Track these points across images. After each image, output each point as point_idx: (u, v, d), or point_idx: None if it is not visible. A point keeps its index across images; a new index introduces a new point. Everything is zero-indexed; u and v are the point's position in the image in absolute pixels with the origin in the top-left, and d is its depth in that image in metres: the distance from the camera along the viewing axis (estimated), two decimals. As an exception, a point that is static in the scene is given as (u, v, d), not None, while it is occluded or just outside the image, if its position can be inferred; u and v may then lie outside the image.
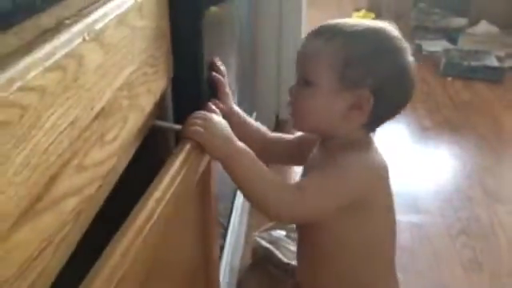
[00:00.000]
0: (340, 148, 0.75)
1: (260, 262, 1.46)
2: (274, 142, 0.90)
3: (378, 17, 3.58)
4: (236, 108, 0.85)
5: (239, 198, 1.48)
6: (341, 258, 0.79)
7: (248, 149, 0.70)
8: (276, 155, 0.90)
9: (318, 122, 0.76)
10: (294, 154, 0.87)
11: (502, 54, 2.83)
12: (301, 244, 0.87)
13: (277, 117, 2.22)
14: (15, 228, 0.32)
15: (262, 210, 0.71)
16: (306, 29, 2.17)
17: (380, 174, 0.77)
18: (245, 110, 0.92)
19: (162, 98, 0.68)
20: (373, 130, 0.78)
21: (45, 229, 0.36)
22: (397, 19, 3.44)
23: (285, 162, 0.96)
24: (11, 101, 0.31)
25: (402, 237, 1.51)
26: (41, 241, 0.36)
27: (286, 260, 1.42)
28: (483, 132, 2.21)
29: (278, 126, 2.15)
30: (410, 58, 0.76)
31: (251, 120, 0.89)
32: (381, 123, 0.77)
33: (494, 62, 2.72)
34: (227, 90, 0.83)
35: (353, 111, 0.73)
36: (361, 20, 0.81)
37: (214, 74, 0.81)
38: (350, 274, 0.80)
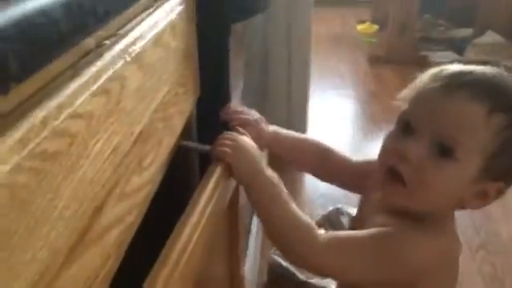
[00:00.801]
0: (410, 223, 0.62)
1: (277, 280, 1.43)
2: (334, 163, 0.78)
3: (382, 28, 3.58)
4: (274, 127, 0.77)
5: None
6: None
7: (277, 179, 0.63)
8: (332, 176, 0.80)
9: (434, 204, 0.62)
10: (354, 181, 0.77)
11: (509, 63, 2.82)
12: None
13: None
14: (65, 266, 0.30)
15: (278, 248, 0.65)
16: (313, 42, 2.16)
17: (445, 261, 0.65)
18: None
19: (189, 118, 0.66)
20: None
21: (91, 264, 0.34)
22: (402, 31, 3.45)
23: (339, 185, 0.82)
24: (62, 129, 0.29)
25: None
26: (87, 278, 0.33)
27: (304, 278, 1.39)
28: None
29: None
30: None
31: (300, 135, 0.80)
32: None
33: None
34: (253, 119, 0.74)
35: (476, 199, 0.62)
36: (504, 74, 0.62)
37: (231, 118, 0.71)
38: None
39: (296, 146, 0.78)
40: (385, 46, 3.23)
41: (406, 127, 0.61)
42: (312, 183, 1.90)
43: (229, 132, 0.66)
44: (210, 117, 0.71)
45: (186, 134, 0.68)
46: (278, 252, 1.47)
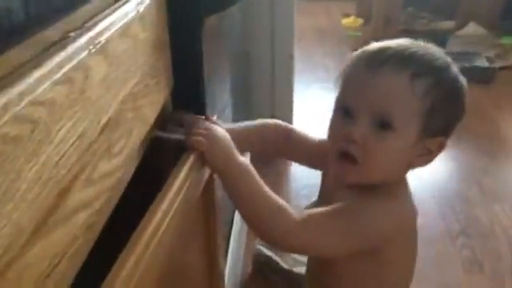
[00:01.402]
0: (371, 193, 0.67)
1: (261, 270, 1.45)
2: (295, 141, 0.81)
3: (367, 22, 3.61)
4: (226, 125, 0.78)
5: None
6: None
7: (250, 166, 0.65)
8: (295, 154, 0.83)
9: (385, 173, 0.67)
10: (315, 159, 0.81)
11: (491, 54, 2.87)
12: (310, 274, 0.84)
13: (272, 124, 2.22)
14: (29, 245, 0.32)
15: (256, 232, 0.67)
16: (297, 35, 2.18)
17: (404, 224, 0.71)
18: (240, 119, 0.90)
19: (163, 109, 0.68)
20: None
21: (57, 244, 0.36)
22: (386, 24, 3.48)
23: (303, 163, 0.87)
24: (22, 115, 0.31)
25: (402, 240, 1.52)
26: (53, 256, 0.35)
27: (287, 267, 1.42)
28: (478, 132, 2.23)
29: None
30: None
31: (256, 122, 0.82)
32: None
33: (485, 63, 2.75)
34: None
35: (421, 157, 0.68)
36: (424, 44, 0.68)
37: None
38: None
39: (255, 132, 0.80)
40: (369, 39, 3.26)
41: (345, 111, 0.67)
42: (297, 175, 1.93)
43: (202, 122, 0.68)
44: (185, 108, 0.73)
45: (161, 124, 0.70)
46: (262, 242, 1.49)
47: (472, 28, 3.19)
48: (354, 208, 0.66)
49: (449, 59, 0.69)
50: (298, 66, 2.36)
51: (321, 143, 0.81)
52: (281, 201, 0.66)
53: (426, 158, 0.68)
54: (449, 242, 1.59)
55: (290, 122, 2.27)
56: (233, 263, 1.32)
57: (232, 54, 1.53)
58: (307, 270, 0.84)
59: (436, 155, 0.68)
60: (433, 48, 0.69)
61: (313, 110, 2.47)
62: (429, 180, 1.91)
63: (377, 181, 0.68)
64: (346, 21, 3.77)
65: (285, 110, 2.24)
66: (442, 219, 1.70)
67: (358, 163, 0.65)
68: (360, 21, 3.71)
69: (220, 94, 1.21)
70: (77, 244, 0.39)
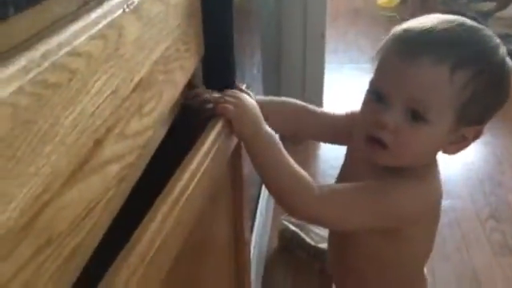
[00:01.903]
0: (399, 173, 0.67)
1: (287, 246, 1.48)
2: (317, 116, 0.81)
3: (403, 3, 3.53)
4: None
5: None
6: (369, 269, 0.77)
7: (276, 137, 0.66)
8: (318, 130, 0.83)
9: (416, 159, 0.67)
10: (340, 133, 0.80)
11: (532, 37, 2.76)
12: (331, 246, 0.86)
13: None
14: (66, 187, 0.34)
15: (278, 202, 0.69)
16: (330, 14, 2.15)
17: (429, 207, 0.71)
18: (270, 96, 0.89)
19: (193, 77, 0.69)
20: None
21: (92, 191, 0.38)
22: (423, 4, 3.39)
23: (327, 139, 0.87)
24: (61, 64, 0.32)
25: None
26: (88, 202, 0.37)
27: (313, 243, 1.43)
28: (514, 117, 2.16)
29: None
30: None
31: (278, 99, 0.83)
32: None
33: (525, 46, 2.65)
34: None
35: (455, 145, 0.67)
36: (467, 25, 0.64)
37: None
38: (377, 283, 0.78)
39: (275, 110, 0.79)
40: (406, 19, 3.19)
41: (378, 96, 0.65)
42: (325, 156, 1.93)
43: (231, 90, 0.70)
44: (214, 77, 0.74)
45: (191, 92, 0.72)
46: (288, 218, 1.51)
47: (513, 9, 3.07)
48: (377, 187, 0.66)
49: (496, 40, 0.65)
50: (330, 45, 2.34)
51: (346, 117, 0.81)
52: (304, 173, 0.67)
53: (460, 145, 0.67)
54: (478, 225, 1.57)
55: (321, 102, 2.26)
56: (259, 238, 1.34)
57: (263, 30, 1.53)
58: (329, 242, 0.85)
59: (471, 143, 0.67)
60: (478, 28, 0.65)
61: (344, 90, 2.45)
62: (460, 162, 1.88)
63: (407, 164, 0.68)
64: (381, 1, 3.69)
65: (315, 89, 2.23)
66: (471, 202, 1.67)
67: (388, 148, 0.65)
68: (396, 1, 3.62)
69: (249, 68, 1.22)
70: (110, 193, 0.41)
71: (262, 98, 0.80)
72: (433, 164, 0.71)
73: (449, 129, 0.64)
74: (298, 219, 0.93)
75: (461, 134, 0.66)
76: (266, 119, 0.67)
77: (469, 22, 0.65)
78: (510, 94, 0.66)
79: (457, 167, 1.85)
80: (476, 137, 0.67)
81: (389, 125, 0.63)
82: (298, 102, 0.82)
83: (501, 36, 2.70)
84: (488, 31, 0.66)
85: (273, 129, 0.67)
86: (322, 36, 2.12)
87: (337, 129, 0.81)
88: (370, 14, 3.56)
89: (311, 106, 0.83)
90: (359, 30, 3.22)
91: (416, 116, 0.62)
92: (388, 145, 0.64)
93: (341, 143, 0.83)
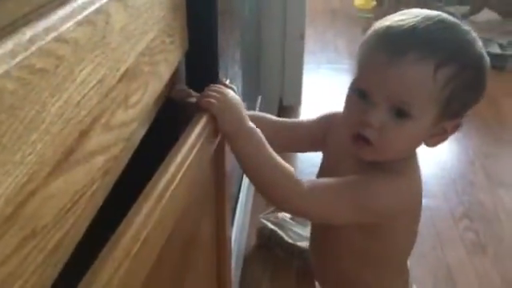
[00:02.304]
0: (380, 168, 0.67)
1: (265, 244, 1.47)
2: (292, 128, 0.82)
3: (380, 4, 3.57)
4: None
5: (246, 180, 1.49)
6: (353, 263, 0.77)
7: (259, 132, 0.66)
8: (295, 142, 0.83)
9: (399, 152, 0.68)
10: (317, 138, 0.80)
11: (504, 41, 2.84)
12: (313, 241, 0.86)
13: (280, 101, 2.23)
14: (52, 177, 0.33)
15: (263, 195, 0.68)
16: (308, 15, 2.17)
17: (409, 201, 0.71)
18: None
19: (177, 71, 0.68)
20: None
21: (77, 182, 0.36)
22: (398, 6, 3.44)
23: (305, 148, 0.87)
24: (48, 50, 0.31)
25: (406, 220, 1.53)
26: (73, 193, 0.36)
27: (291, 241, 1.43)
28: (486, 118, 2.22)
29: (282, 111, 2.15)
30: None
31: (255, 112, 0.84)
32: None
33: (497, 50, 2.72)
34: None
35: (435, 137, 0.68)
36: (447, 22, 0.65)
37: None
38: (359, 279, 0.78)
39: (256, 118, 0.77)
40: (381, 21, 3.23)
41: (362, 93, 0.65)
42: (303, 156, 1.94)
43: (216, 85, 0.69)
44: (198, 72, 0.73)
45: (174, 87, 0.71)
46: (266, 216, 1.51)
47: (486, 14, 3.15)
48: (358, 182, 0.67)
49: (473, 34, 0.66)
50: (308, 46, 2.36)
51: (318, 122, 0.81)
52: (288, 167, 0.67)
53: (440, 137, 0.68)
54: (452, 223, 1.60)
55: (299, 101, 2.27)
56: (237, 235, 1.33)
57: (243, 30, 1.53)
58: (311, 236, 0.85)
59: (450, 135, 0.68)
60: (457, 24, 0.66)
61: (322, 90, 2.47)
62: (433, 161, 1.92)
63: (390, 158, 0.69)
64: (358, 2, 3.73)
65: (294, 89, 2.24)
66: (445, 201, 1.71)
67: (374, 145, 0.65)
68: (372, 2, 3.67)
69: (231, 65, 1.21)
70: (95, 186, 0.40)
71: None
72: (413, 157, 0.72)
73: (432, 123, 0.65)
74: (283, 211, 0.94)
75: (441, 127, 0.67)
76: None
77: (449, 18, 0.66)
78: (486, 88, 0.67)
79: (430, 166, 1.89)
80: (455, 129, 0.68)
81: (374, 124, 0.64)
82: (269, 116, 0.82)
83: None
84: (465, 26, 0.67)
85: None
86: (301, 37, 2.13)
87: (312, 136, 0.81)
88: (347, 14, 3.60)
89: (283, 120, 0.83)
90: (337, 31, 3.25)
91: (400, 113, 0.63)
92: (373, 142, 0.65)
93: (317, 149, 0.83)
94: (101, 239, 0.42)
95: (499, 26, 3.04)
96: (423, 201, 1.70)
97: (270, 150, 0.66)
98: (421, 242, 1.54)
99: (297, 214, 0.73)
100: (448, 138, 0.69)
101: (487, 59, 0.67)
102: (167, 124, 0.70)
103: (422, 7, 0.68)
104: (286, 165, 0.66)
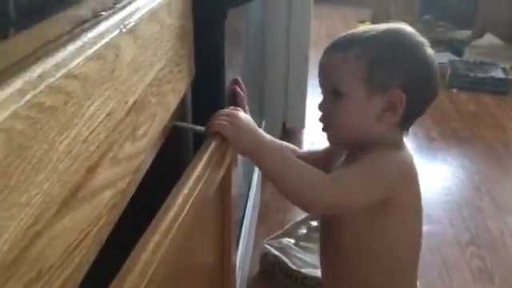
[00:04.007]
0: (372, 147, 0.74)
1: (269, 270, 1.45)
2: (304, 159, 0.86)
3: (383, 28, 3.60)
4: None
5: (250, 205, 1.48)
6: (362, 264, 0.78)
7: (275, 143, 0.72)
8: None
9: (354, 130, 0.75)
10: (324, 168, 0.83)
11: (507, 66, 2.85)
12: (323, 245, 0.86)
13: (284, 124, 2.22)
14: (58, 216, 0.32)
15: (296, 200, 0.72)
16: (312, 39, 2.18)
17: (410, 174, 0.76)
18: (253, 119, 0.89)
19: (183, 99, 0.68)
20: (406, 128, 0.78)
21: (83, 220, 0.35)
22: (402, 31, 3.47)
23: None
24: (57, 86, 0.31)
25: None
26: (79, 232, 0.35)
27: (295, 268, 1.41)
28: (490, 143, 2.21)
29: (285, 134, 2.15)
30: (430, 51, 0.77)
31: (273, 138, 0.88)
32: (413, 120, 0.78)
33: (500, 74, 2.73)
34: (246, 106, 0.83)
35: (387, 113, 0.73)
36: (373, 26, 0.81)
37: (236, 87, 0.83)
38: (371, 282, 0.79)
39: None
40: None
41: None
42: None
43: (224, 110, 0.69)
44: (204, 99, 0.73)
45: (180, 115, 0.70)
46: (270, 242, 1.49)
47: (489, 39, 3.17)
48: (365, 160, 0.73)
49: (414, 39, 0.76)
50: (312, 70, 2.36)
51: (323, 151, 0.89)
52: (312, 167, 0.71)
53: (391, 112, 0.73)
54: (458, 250, 1.58)
55: (302, 123, 2.26)
56: (241, 261, 1.31)
57: (248, 52, 1.53)
58: (321, 234, 0.86)
59: (400, 109, 0.73)
60: (400, 32, 0.76)
61: (325, 113, 2.46)
62: (438, 187, 1.90)
63: (353, 137, 0.76)
64: (361, 27, 3.76)
65: (298, 110, 2.23)
66: (450, 227, 1.68)
67: (329, 129, 0.77)
68: (375, 27, 3.69)
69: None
70: (101, 222, 0.39)
71: None
72: (401, 140, 0.78)
73: (366, 94, 0.73)
74: (318, 211, 0.98)
75: (385, 100, 0.73)
76: None
77: (404, 30, 0.77)
78: (417, 62, 0.75)
79: (435, 192, 1.87)
80: (398, 100, 0.73)
81: (322, 112, 0.77)
82: (289, 145, 0.90)
83: (475, 64, 2.80)
84: (411, 36, 0.76)
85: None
86: (306, 59, 2.14)
87: (316, 165, 0.84)
88: (350, 38, 3.62)
89: (292, 147, 0.90)
90: (340, 54, 3.26)
91: (336, 94, 0.74)
92: (327, 126, 0.77)
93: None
94: (104, 273, 0.41)
95: (502, 51, 3.05)
96: (428, 227, 1.68)
97: (291, 156, 0.74)
98: (427, 269, 1.52)
99: (332, 208, 0.74)
100: (400, 113, 0.73)
101: (405, 40, 0.76)
102: (172, 151, 0.69)
103: (425, 31, 0.80)
104: (310, 167, 0.71)
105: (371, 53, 0.73)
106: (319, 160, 0.86)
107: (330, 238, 0.83)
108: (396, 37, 0.76)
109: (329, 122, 0.77)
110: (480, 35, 3.19)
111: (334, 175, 0.73)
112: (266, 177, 0.73)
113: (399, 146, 0.77)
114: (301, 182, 0.69)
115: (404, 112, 0.73)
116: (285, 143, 0.90)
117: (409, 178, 0.77)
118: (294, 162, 0.71)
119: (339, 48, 0.75)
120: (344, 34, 0.78)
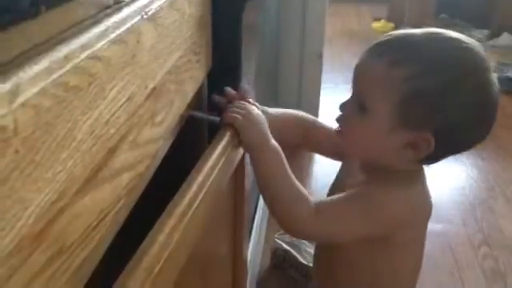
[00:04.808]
0: (382, 180, 0.68)
1: (280, 264, 1.45)
2: (321, 131, 0.83)
3: (398, 27, 3.58)
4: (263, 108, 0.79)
5: (262, 199, 1.48)
6: (362, 284, 0.76)
7: (281, 151, 0.66)
8: (322, 145, 0.84)
9: (367, 151, 0.70)
10: (337, 150, 0.81)
11: (524, 66, 2.81)
12: (317, 261, 0.85)
13: (297, 121, 2.22)
14: (80, 195, 0.32)
15: (273, 215, 0.69)
16: (327, 36, 2.17)
17: (415, 216, 0.71)
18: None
19: (199, 89, 0.69)
20: (430, 164, 0.69)
21: (103, 200, 0.36)
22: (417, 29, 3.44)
23: (328, 154, 0.87)
24: (82, 67, 0.31)
25: (424, 244, 1.50)
26: (99, 211, 0.36)
27: (305, 263, 1.41)
28: (505, 143, 2.18)
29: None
30: (495, 91, 0.64)
31: (290, 111, 0.84)
32: (441, 160, 0.68)
33: (517, 74, 2.70)
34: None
35: (408, 150, 0.65)
36: (440, 34, 0.65)
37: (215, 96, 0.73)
38: None
39: (287, 122, 0.81)
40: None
41: None
42: (318, 173, 1.92)
43: (240, 101, 0.69)
44: (220, 90, 0.74)
45: (196, 104, 0.71)
46: (281, 237, 1.49)
47: (505, 38, 3.13)
48: (364, 194, 0.67)
49: (470, 51, 0.64)
50: (326, 66, 2.36)
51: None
52: (303, 190, 0.67)
53: (413, 152, 0.65)
54: (470, 250, 1.57)
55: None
56: (252, 255, 1.32)
57: (262, 48, 1.54)
58: (315, 256, 0.84)
59: (424, 152, 0.64)
60: (452, 38, 0.64)
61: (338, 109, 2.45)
62: (451, 186, 1.89)
63: (364, 156, 0.71)
64: (376, 24, 3.74)
65: (311, 107, 2.23)
66: (463, 227, 1.67)
67: (342, 134, 0.71)
68: (390, 25, 3.67)
69: (248, 83, 1.21)
70: (120, 204, 0.39)
71: (275, 109, 0.80)
72: (417, 172, 0.71)
73: (391, 124, 0.64)
74: (291, 234, 0.95)
75: (411, 138, 0.64)
76: (279, 130, 0.69)
77: (449, 32, 0.66)
78: (472, 114, 0.64)
79: (448, 192, 1.86)
80: (428, 147, 0.64)
81: (341, 110, 0.70)
82: (306, 115, 0.85)
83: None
84: (478, 68, 0.64)
85: (282, 138, 0.68)
86: (320, 56, 2.14)
87: (335, 145, 0.81)
88: (364, 36, 3.60)
89: (318, 121, 0.85)
90: (354, 52, 3.25)
91: (361, 106, 0.66)
92: (341, 128, 0.70)
93: (338, 159, 0.84)
94: (120, 256, 0.42)
95: (519, 51, 3.01)
96: (440, 226, 1.66)
97: (288, 171, 0.67)
98: (438, 269, 1.52)
99: (305, 238, 0.73)
100: (422, 156, 0.65)
101: (473, 84, 0.63)
102: (187, 139, 0.70)
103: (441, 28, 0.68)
104: (301, 189, 0.67)
105: (420, 81, 0.61)
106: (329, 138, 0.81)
107: (325, 257, 0.81)
108: (460, 67, 0.62)
109: (344, 129, 0.70)
110: (497, 35, 3.16)
111: (319, 205, 0.66)
112: (256, 180, 0.67)
113: (414, 180, 0.70)
114: (286, 200, 0.65)
115: (430, 154, 0.65)
116: (301, 113, 0.84)
117: (413, 218, 0.70)
118: (286, 177, 0.65)
119: (384, 56, 0.64)
120: (399, 35, 0.66)
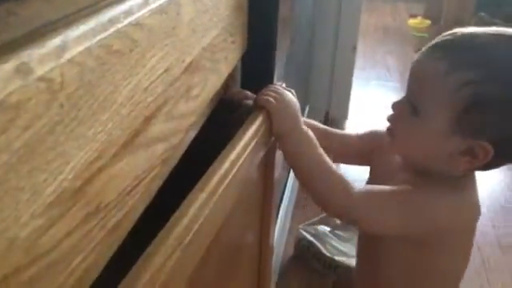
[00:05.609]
0: (429, 183, 0.66)
1: (303, 255, 1.45)
2: (341, 139, 0.81)
3: (435, 24, 3.50)
4: None
5: (288, 189, 1.48)
6: (402, 284, 0.74)
7: (312, 134, 0.66)
8: (344, 153, 0.81)
9: (419, 154, 0.67)
10: (364, 154, 0.79)
11: None
12: (360, 256, 0.83)
13: (327, 113, 2.21)
14: (117, 157, 0.33)
15: (314, 196, 0.68)
16: (361, 31, 2.15)
17: (463, 222, 0.68)
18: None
19: (233, 70, 0.69)
20: (483, 170, 0.66)
21: (138, 166, 0.37)
22: (455, 27, 3.36)
23: (352, 161, 0.85)
24: (125, 32, 0.32)
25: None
26: (134, 177, 0.36)
27: (329, 255, 1.41)
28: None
29: (327, 123, 2.13)
30: None
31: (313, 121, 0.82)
32: (496, 168, 0.66)
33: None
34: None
35: (463, 158, 0.62)
36: (509, 37, 0.60)
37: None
38: None
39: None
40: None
41: None
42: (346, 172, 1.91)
43: (275, 85, 0.69)
44: (254, 73, 0.74)
45: (230, 86, 0.71)
46: (306, 228, 1.49)
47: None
48: (411, 192, 0.65)
49: None
50: (359, 62, 2.33)
51: (361, 138, 0.81)
52: (340, 173, 0.66)
53: (469, 160, 0.62)
54: (499, 252, 1.53)
55: (346, 113, 2.24)
56: (277, 244, 1.32)
57: (297, 38, 1.53)
58: (357, 248, 0.83)
59: (481, 161, 0.62)
60: None
61: (369, 106, 2.43)
62: (483, 187, 1.84)
63: (414, 159, 0.68)
64: (412, 21, 3.67)
65: (341, 101, 2.21)
66: (492, 228, 1.63)
67: (393, 137, 0.68)
68: (427, 22, 3.60)
69: (280, 72, 1.21)
70: (153, 173, 0.40)
71: None
72: (467, 177, 0.68)
73: (446, 131, 0.61)
74: (332, 216, 0.94)
75: (469, 147, 0.61)
76: None
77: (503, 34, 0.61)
78: None
79: (479, 192, 1.81)
80: (486, 156, 0.61)
81: (393, 109, 0.67)
82: (321, 125, 0.82)
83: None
84: None
85: None
86: (354, 48, 2.11)
87: (359, 151, 0.81)
88: (399, 32, 3.54)
89: (333, 130, 0.83)
90: (388, 48, 3.20)
91: (413, 109, 0.64)
92: (391, 130, 0.68)
93: (363, 164, 0.82)
94: (150, 228, 0.43)
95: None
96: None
97: (323, 155, 0.66)
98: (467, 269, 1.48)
99: (346, 220, 0.71)
100: (480, 164, 0.62)
101: None
102: (218, 124, 0.70)
103: (480, 27, 0.64)
104: (338, 172, 0.66)
105: (484, 88, 0.58)
106: (360, 142, 0.80)
107: (368, 256, 0.79)
108: None
109: (396, 129, 0.68)
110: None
111: (364, 190, 0.66)
112: (288, 163, 0.67)
113: (464, 185, 0.67)
114: (323, 182, 0.64)
115: (487, 163, 0.62)
116: (314, 122, 0.81)
117: (459, 225, 0.68)
118: (322, 159, 0.64)
119: (444, 58, 0.60)
120: (463, 33, 0.61)
